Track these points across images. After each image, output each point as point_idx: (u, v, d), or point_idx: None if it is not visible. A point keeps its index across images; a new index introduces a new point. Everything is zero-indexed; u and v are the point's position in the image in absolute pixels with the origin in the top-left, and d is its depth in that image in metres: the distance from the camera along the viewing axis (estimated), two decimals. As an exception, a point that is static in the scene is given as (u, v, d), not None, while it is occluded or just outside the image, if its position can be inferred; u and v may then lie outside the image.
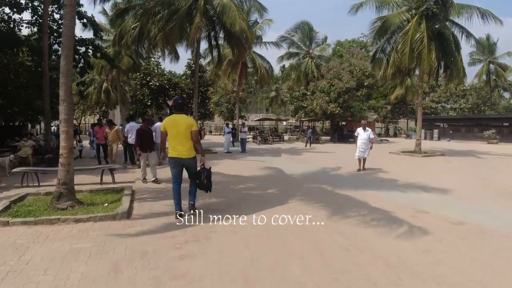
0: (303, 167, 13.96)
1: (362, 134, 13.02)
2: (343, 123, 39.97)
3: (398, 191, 9.31)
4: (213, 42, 22.04)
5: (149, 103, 22.36)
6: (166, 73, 22.52)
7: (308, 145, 25.80)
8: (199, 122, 38.78)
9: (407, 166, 15.09)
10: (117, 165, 11.21)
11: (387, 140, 38.29)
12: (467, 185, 10.49)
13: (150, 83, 21.11)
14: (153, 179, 10.10)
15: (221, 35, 21.95)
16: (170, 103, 23.19)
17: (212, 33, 21.54)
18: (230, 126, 21.51)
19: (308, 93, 35.98)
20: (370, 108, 34.45)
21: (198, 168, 6.39)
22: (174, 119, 6.14)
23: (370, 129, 13.32)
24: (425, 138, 48.98)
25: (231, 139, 20.64)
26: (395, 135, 57.85)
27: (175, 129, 6.05)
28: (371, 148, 13.15)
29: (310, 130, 26.61)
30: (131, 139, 12.67)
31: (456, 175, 12.62)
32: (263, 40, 33.20)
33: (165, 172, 10.18)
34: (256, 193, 8.82)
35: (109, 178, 9.91)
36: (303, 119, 37.85)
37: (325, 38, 41.00)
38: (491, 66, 57.58)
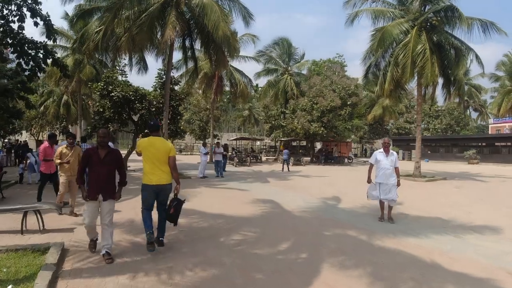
0: (301, 199, 11.20)
1: (384, 160, 8.03)
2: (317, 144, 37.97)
3: (451, 236, 6.95)
4: (189, 50, 19.27)
5: (110, 117, 19.04)
6: (132, 85, 19.39)
7: (286, 169, 22.41)
8: (170, 140, 35.74)
9: (422, 195, 12.74)
10: (46, 203, 7.39)
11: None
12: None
13: (112, 94, 17.89)
14: (105, 250, 5.25)
15: (197, 46, 19.34)
16: (136, 118, 20.01)
17: (188, 40, 18.78)
18: (217, 147, 18.48)
19: (287, 112, 33.71)
20: (354, 128, 32.42)
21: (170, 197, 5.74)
22: (152, 142, 5.57)
23: (395, 153, 8.23)
24: (403, 159, 47.92)
25: (207, 161, 17.65)
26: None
27: (153, 153, 5.49)
28: (398, 184, 8.06)
29: (286, 151, 23.61)
30: None
31: (487, 206, 10.79)
32: (241, 54, 30.67)
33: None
34: (262, 253, 5.73)
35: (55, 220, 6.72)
36: (282, 139, 35.38)
37: (303, 55, 39.23)
38: (465, 87, 57.55)
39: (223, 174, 17.98)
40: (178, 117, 21.03)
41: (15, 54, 15.76)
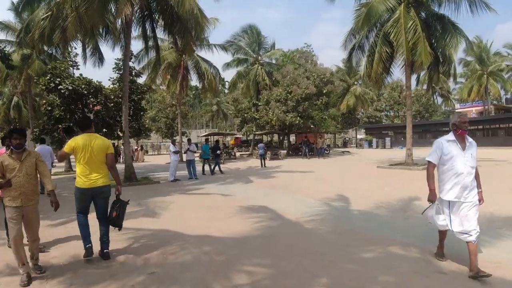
0: (300, 202, 9.09)
1: (459, 156, 4.28)
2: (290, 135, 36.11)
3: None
4: (150, 37, 16.68)
5: (61, 116, 16.18)
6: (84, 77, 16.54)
7: (263, 164, 20.82)
8: (135, 140, 32.69)
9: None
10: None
11: (348, 151, 34.84)
12: None
13: (60, 87, 15.04)
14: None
15: (160, 33, 16.83)
16: (91, 115, 17.21)
17: (149, 22, 16.16)
18: (188, 144, 16.14)
19: (260, 104, 31.60)
20: (331, 117, 30.77)
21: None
22: (87, 140, 4.85)
23: (474, 142, 4.46)
24: (377, 147, 47.15)
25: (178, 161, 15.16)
26: (344, 146, 55.65)
27: (89, 152, 4.82)
28: (480, 199, 4.31)
29: (261, 145, 21.71)
30: None
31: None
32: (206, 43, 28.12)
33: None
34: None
35: None
36: (257, 133, 33.23)
37: (274, 44, 37.17)
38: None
39: (196, 174, 15.61)
40: (141, 113, 18.40)
41: None
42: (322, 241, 5.72)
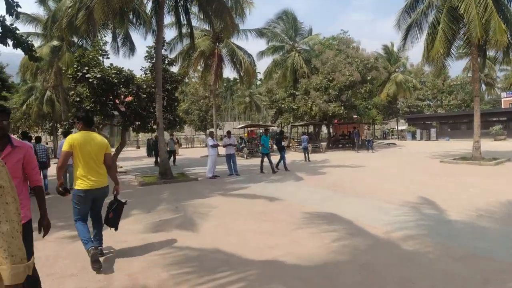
0: (375, 208, 7.29)
1: None
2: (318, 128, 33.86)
3: None
4: (182, 18, 15.21)
5: (91, 108, 15.01)
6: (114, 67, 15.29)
7: (307, 158, 19.00)
8: (168, 133, 31.60)
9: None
10: None
11: (394, 143, 32.34)
12: None
13: (88, 75, 13.79)
14: None
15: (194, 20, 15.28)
16: (123, 108, 15.97)
17: (181, 2, 14.67)
18: (228, 137, 14.51)
19: (298, 93, 29.71)
20: (376, 106, 28.44)
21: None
22: (87, 138, 4.64)
23: None
24: (421, 139, 44.01)
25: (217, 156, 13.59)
26: (384, 137, 52.65)
27: (89, 151, 4.60)
28: None
29: (305, 137, 19.80)
30: None
31: None
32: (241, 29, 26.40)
33: None
34: None
35: None
36: (295, 124, 31.38)
37: (311, 30, 34.96)
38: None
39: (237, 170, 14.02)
40: (175, 104, 16.98)
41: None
42: (447, 275, 3.92)
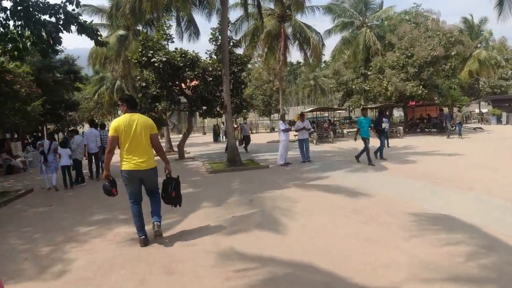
0: (498, 209, 5.70)
1: None
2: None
3: None
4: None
5: (158, 94, 14.62)
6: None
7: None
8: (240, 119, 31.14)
9: None
10: None
11: (481, 128, 28.85)
12: None
13: (154, 59, 13.31)
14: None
15: None
16: (189, 93, 15.39)
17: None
18: (301, 120, 12.96)
19: (370, 73, 27.40)
20: (461, 85, 25.32)
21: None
22: (131, 120, 4.64)
23: None
24: (507, 123, 38.93)
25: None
26: (465, 121, 47.55)
27: (132, 132, 4.61)
28: None
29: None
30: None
31: None
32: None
33: None
34: None
35: None
36: (368, 107, 29.24)
37: (382, 3, 32.10)
38: None
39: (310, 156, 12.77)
40: (242, 87, 16.05)
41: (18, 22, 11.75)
42: None
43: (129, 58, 21.94)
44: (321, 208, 6.23)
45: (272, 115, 46.19)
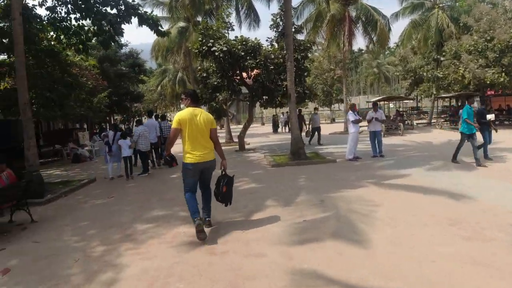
0: None
1: None
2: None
3: None
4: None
5: (218, 84, 14.18)
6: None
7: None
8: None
9: None
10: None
11: None
12: None
13: (213, 49, 12.83)
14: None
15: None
16: (249, 82, 14.79)
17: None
18: (374, 110, 11.75)
19: (444, 59, 25.00)
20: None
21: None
22: (193, 114, 4.81)
23: None
24: None
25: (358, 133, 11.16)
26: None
27: (194, 126, 4.76)
28: None
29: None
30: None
31: None
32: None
33: None
34: None
35: None
36: (441, 96, 26.93)
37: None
38: None
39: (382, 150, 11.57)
40: (305, 74, 15.12)
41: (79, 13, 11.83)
42: None
43: (189, 49, 21.88)
44: (407, 216, 5.22)
45: (332, 106, 44.50)
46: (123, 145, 10.31)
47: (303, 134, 15.48)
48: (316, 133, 16.54)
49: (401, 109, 34.68)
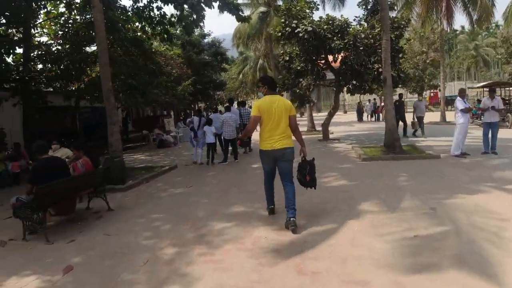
0: None
1: None
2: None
3: None
4: None
5: (302, 68, 13.23)
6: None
7: None
8: (378, 95, 28.05)
9: None
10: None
11: None
12: None
13: (297, 30, 11.85)
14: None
15: None
16: (335, 65, 13.59)
17: None
18: (490, 97, 9.59)
19: None
20: None
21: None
22: (271, 101, 4.69)
23: None
24: None
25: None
26: None
27: (273, 114, 4.63)
28: None
29: None
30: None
31: None
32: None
33: None
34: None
35: None
36: None
37: None
38: None
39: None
40: (400, 56, 13.46)
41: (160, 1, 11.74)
42: None
43: (271, 33, 21.18)
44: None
45: (424, 92, 40.79)
46: (207, 131, 10.34)
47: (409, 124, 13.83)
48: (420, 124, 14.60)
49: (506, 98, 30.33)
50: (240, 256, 3.81)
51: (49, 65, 12.66)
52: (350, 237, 4.13)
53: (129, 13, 13.72)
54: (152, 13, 12.38)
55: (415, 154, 9.44)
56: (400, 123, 13.88)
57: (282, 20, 12.84)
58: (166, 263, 3.78)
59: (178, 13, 12.03)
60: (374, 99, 28.54)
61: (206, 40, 32.85)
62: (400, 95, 15.21)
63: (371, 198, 5.68)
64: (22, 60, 12.39)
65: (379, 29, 12.36)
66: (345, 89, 14.13)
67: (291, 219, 4.48)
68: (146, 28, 13.41)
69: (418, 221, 4.57)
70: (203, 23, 12.55)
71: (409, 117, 14.90)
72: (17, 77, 11.73)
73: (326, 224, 4.61)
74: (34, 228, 4.87)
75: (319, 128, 17.87)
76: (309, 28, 11.84)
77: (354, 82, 13.10)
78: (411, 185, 6.42)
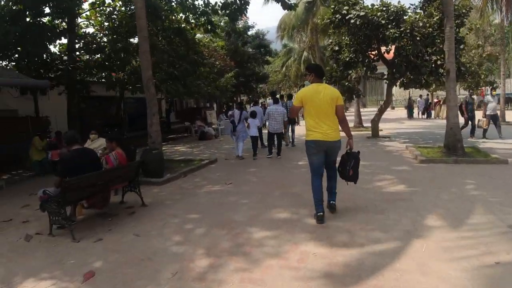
0: None
1: None
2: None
3: None
4: None
5: (351, 60, 12.31)
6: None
7: None
8: (430, 90, 26.20)
9: None
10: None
11: None
12: None
13: (348, 17, 10.95)
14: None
15: None
16: (389, 57, 12.57)
17: None
18: None
19: None
20: None
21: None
22: (316, 90, 4.49)
23: None
24: None
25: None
26: None
27: (318, 103, 4.45)
28: None
29: None
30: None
31: None
32: None
33: None
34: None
35: None
36: None
37: None
38: None
39: None
40: (461, 47, 12.17)
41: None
42: None
43: (317, 23, 20.29)
44: None
45: (478, 90, 37.98)
46: (251, 124, 10.07)
47: (478, 124, 12.43)
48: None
49: None
50: (284, 277, 3.20)
51: (93, 55, 12.67)
52: (418, 261, 3.37)
53: (173, 3, 13.46)
54: (196, 2, 12.05)
55: (480, 158, 8.32)
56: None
57: (332, 6, 11.98)
58: (197, 279, 3.25)
59: (222, 0, 11.58)
60: (427, 94, 26.80)
61: (250, 32, 32.48)
62: (471, 92, 13.85)
63: (436, 209, 4.84)
64: (67, 50, 12.45)
65: (437, 17, 11.28)
66: (398, 82, 13.03)
67: (331, 202, 4.82)
68: (190, 19, 13.12)
69: (496, 243, 3.73)
70: (247, 12, 12.03)
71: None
72: (61, 67, 11.77)
73: (386, 241, 3.87)
74: (61, 223, 4.57)
75: (366, 124, 16.84)
76: (362, 13, 10.90)
77: (409, 75, 12.02)
78: (481, 196, 5.47)
